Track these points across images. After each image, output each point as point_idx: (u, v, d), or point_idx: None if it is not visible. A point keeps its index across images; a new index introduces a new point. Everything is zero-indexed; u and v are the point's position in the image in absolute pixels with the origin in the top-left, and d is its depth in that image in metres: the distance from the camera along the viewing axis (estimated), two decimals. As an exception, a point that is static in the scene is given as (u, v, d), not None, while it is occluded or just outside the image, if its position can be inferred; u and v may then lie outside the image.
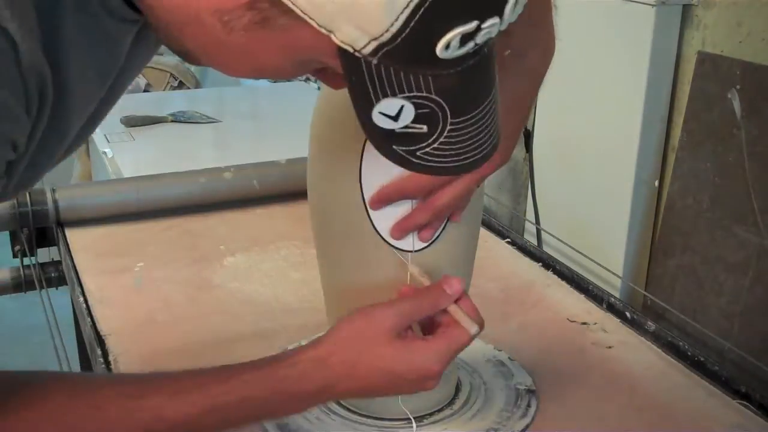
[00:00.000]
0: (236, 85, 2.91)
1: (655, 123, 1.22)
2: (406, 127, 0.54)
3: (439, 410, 0.85)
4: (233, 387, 0.68)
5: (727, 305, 1.09)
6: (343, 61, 0.51)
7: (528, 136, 1.47)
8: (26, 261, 1.29)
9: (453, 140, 0.55)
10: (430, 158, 0.56)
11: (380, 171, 0.74)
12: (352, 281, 0.80)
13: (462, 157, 0.57)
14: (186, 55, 0.58)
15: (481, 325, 0.72)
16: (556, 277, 1.16)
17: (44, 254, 1.32)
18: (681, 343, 0.97)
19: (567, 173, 1.38)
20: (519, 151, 1.55)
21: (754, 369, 0.99)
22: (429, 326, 0.74)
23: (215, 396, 0.67)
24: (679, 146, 1.18)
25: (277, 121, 2.14)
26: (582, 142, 1.34)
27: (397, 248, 0.77)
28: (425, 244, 0.77)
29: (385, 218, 0.76)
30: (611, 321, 1.05)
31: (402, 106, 0.52)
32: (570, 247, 1.29)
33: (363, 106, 0.53)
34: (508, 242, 1.25)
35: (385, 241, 0.76)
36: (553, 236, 1.34)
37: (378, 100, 0.52)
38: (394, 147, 0.56)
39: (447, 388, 0.86)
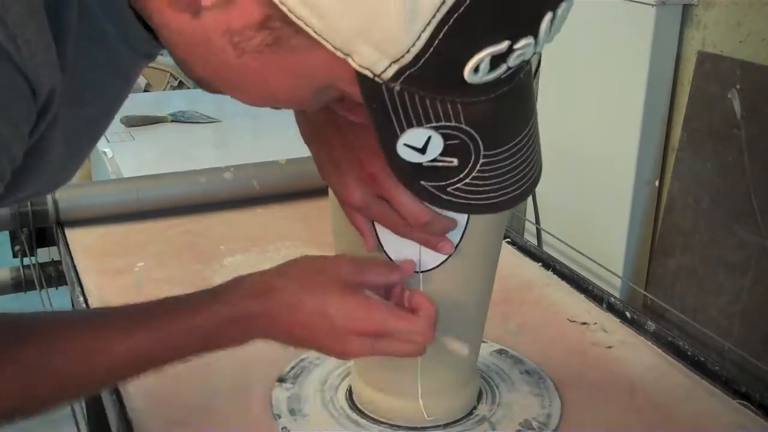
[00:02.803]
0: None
1: (655, 123, 1.22)
2: (435, 160, 0.50)
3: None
4: (175, 316, 0.66)
5: (727, 305, 1.09)
6: (362, 88, 0.48)
7: (528, 136, 1.47)
8: (26, 261, 1.29)
9: (487, 175, 0.51)
10: (462, 194, 0.52)
11: None
12: None
13: (498, 194, 0.52)
14: (200, 81, 0.55)
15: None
16: (556, 277, 1.16)
17: (44, 254, 1.32)
18: (681, 343, 0.97)
19: (567, 173, 1.38)
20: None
21: (754, 369, 0.99)
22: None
23: (158, 328, 0.65)
24: (679, 146, 1.19)
25: (277, 121, 2.13)
26: (582, 142, 1.34)
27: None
28: (433, 265, 0.74)
29: (393, 237, 0.72)
30: (611, 321, 1.05)
31: (429, 137, 0.48)
32: (570, 247, 1.29)
33: (386, 137, 0.49)
34: (508, 242, 1.25)
35: (391, 260, 0.74)
36: (553, 236, 1.34)
37: (403, 130, 0.48)
38: (422, 182, 0.52)
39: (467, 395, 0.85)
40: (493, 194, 0.52)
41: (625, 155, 1.23)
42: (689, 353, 0.95)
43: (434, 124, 0.48)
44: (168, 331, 0.66)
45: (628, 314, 1.04)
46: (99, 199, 1.29)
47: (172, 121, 2.06)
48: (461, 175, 0.51)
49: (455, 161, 0.50)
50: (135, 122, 2.01)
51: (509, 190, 0.53)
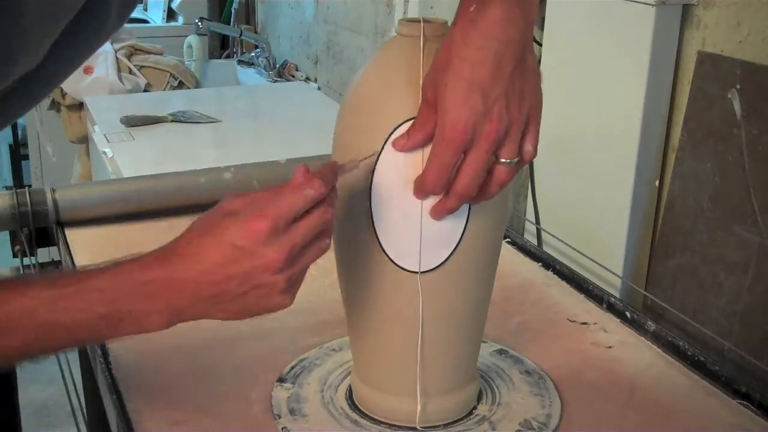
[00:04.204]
0: (236, 84, 2.91)
1: (655, 123, 1.22)
2: None
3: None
4: (78, 278, 0.65)
5: (727, 305, 1.09)
6: None
7: (528, 136, 1.47)
8: (26, 261, 1.29)
9: None
10: None
11: (390, 186, 0.73)
12: (361, 299, 0.79)
13: None
14: None
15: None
16: (556, 277, 1.16)
17: (44, 254, 1.32)
18: (681, 343, 0.97)
19: (567, 173, 1.38)
20: (519, 151, 1.55)
21: (754, 369, 0.99)
22: None
23: (58, 286, 0.64)
24: (679, 146, 1.18)
25: (277, 121, 2.14)
26: (582, 142, 1.34)
27: (403, 269, 0.74)
28: (433, 265, 0.74)
29: (393, 238, 0.74)
30: (611, 321, 1.05)
31: None
32: (570, 247, 1.29)
33: None
34: (508, 242, 1.25)
35: (391, 260, 0.75)
36: (553, 236, 1.34)
37: None
38: None
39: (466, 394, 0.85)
40: None
41: (625, 155, 1.23)
42: (689, 353, 0.95)
43: None
44: (62, 293, 0.64)
45: (628, 314, 1.04)
46: (99, 199, 1.29)
47: (172, 121, 2.06)
48: None
49: None
50: (135, 122, 2.01)
51: None
